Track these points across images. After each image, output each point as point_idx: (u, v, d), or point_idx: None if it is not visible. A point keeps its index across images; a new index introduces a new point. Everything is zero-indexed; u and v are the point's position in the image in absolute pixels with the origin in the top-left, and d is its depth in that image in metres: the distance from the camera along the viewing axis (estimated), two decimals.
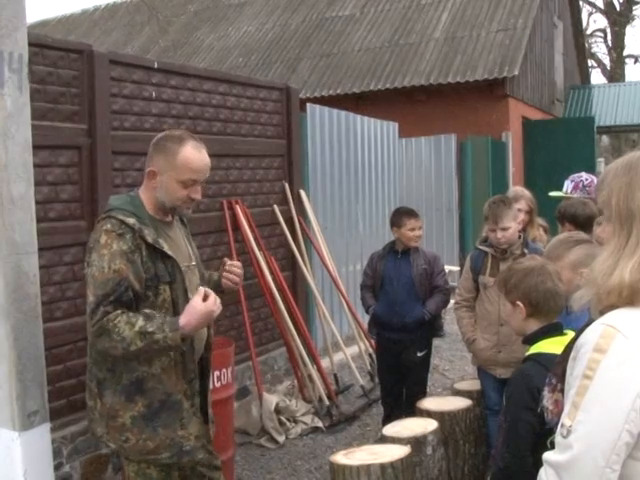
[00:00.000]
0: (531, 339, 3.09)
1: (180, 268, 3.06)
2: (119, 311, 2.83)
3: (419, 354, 5.41)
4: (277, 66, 17.33)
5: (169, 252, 3.01)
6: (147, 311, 2.88)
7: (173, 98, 5.81)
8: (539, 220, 5.59)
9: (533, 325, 3.11)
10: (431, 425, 3.99)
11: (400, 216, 5.48)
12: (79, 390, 4.78)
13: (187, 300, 3.04)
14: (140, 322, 2.80)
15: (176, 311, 3.01)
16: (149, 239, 2.94)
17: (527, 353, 3.06)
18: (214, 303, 2.89)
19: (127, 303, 2.87)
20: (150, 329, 2.80)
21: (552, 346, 2.93)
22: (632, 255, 1.66)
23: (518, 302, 3.12)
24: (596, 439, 1.58)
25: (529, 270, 3.17)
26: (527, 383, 2.85)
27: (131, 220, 2.94)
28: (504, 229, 4.58)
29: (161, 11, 18.36)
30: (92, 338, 2.87)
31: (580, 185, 5.57)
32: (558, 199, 5.67)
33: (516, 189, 5.56)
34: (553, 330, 3.05)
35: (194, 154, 3.06)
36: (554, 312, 3.10)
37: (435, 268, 5.42)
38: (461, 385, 5.07)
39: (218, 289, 3.40)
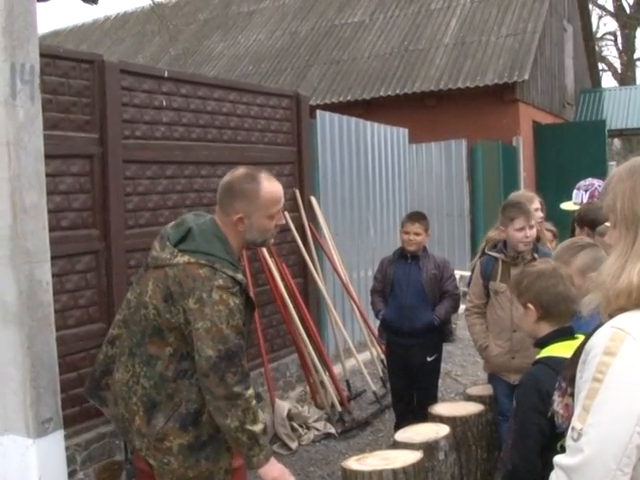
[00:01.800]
0: (542, 343, 3.09)
1: (253, 313, 3.18)
2: (253, 392, 2.96)
3: (429, 359, 5.42)
4: (287, 73, 17.37)
5: (254, 300, 3.13)
6: (265, 421, 3.10)
7: (183, 107, 5.84)
8: (547, 225, 5.58)
9: (544, 329, 3.11)
10: (443, 430, 3.98)
11: (403, 219, 5.58)
12: None
13: (249, 339, 3.20)
14: (261, 428, 2.96)
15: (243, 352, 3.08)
16: (250, 293, 3.07)
17: (537, 356, 3.06)
18: None
19: (244, 354, 2.98)
20: (261, 442, 2.97)
21: (563, 350, 2.93)
22: (639, 257, 1.66)
23: (529, 305, 3.12)
24: (607, 442, 1.58)
25: (541, 273, 3.17)
26: (537, 386, 2.85)
27: (239, 276, 2.98)
28: (531, 227, 4.58)
29: (171, 20, 18.42)
30: (217, 389, 2.89)
31: (596, 193, 5.52)
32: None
33: (524, 192, 5.48)
34: (564, 334, 3.05)
35: (272, 186, 3.13)
36: (566, 316, 3.09)
37: (445, 273, 5.42)
38: (473, 390, 5.06)
39: None
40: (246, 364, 2.97)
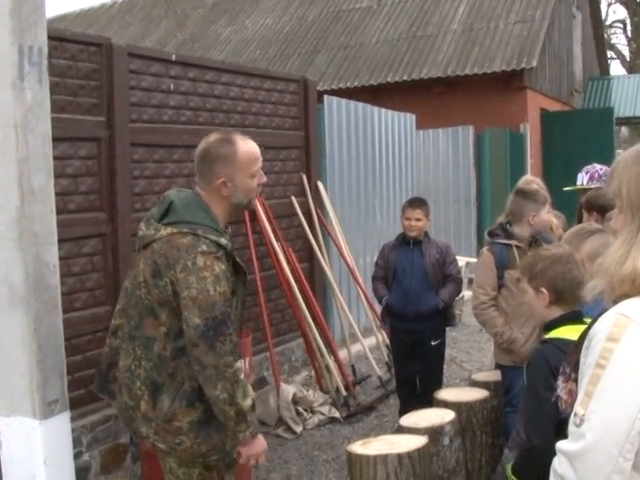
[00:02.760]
0: (551, 326, 3.08)
1: (245, 281, 3.13)
2: (241, 365, 2.95)
3: (433, 343, 5.45)
4: (294, 58, 17.32)
5: (242, 265, 3.07)
6: (253, 397, 2.97)
7: (191, 90, 5.83)
8: (556, 212, 5.56)
9: (555, 312, 3.09)
10: (448, 416, 3.98)
11: (404, 205, 5.60)
12: None
13: (243, 308, 3.15)
14: (249, 404, 2.93)
15: (235, 324, 3.04)
16: (237, 257, 3.02)
17: (546, 336, 3.06)
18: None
19: (233, 323, 2.94)
20: (249, 418, 2.94)
21: (571, 333, 2.92)
22: None
23: (542, 289, 3.11)
24: (609, 428, 1.58)
25: (557, 257, 3.14)
26: (547, 363, 2.84)
27: (223, 240, 2.96)
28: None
29: (178, 4, 18.38)
30: (206, 357, 2.87)
31: (596, 175, 5.52)
32: (573, 192, 5.64)
33: (527, 177, 5.39)
34: (573, 318, 3.04)
35: (247, 145, 3.14)
36: (578, 301, 3.06)
37: (447, 257, 5.46)
38: (478, 376, 5.05)
39: None
40: (234, 334, 2.94)
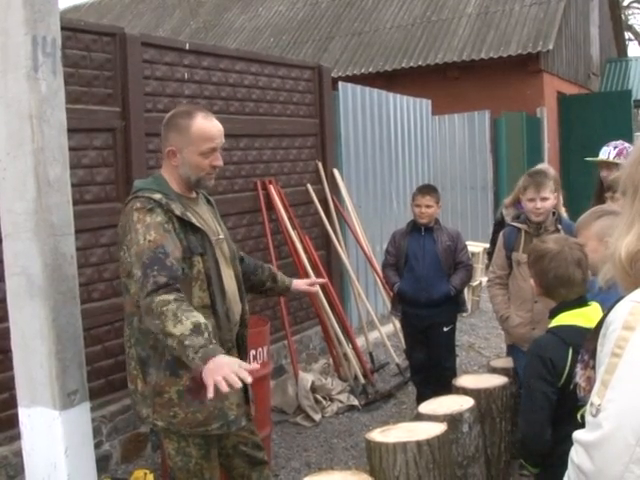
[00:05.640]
0: (553, 313, 3.11)
1: (210, 240, 3.10)
2: (172, 297, 2.78)
3: (445, 329, 5.48)
4: (308, 45, 17.26)
5: (197, 224, 3.06)
6: (199, 321, 2.75)
7: (205, 79, 5.82)
8: None
9: (550, 302, 3.14)
10: (467, 403, 3.97)
11: (414, 192, 5.61)
12: (117, 370, 4.85)
13: (219, 272, 3.10)
14: (187, 327, 2.71)
15: (209, 283, 3.05)
16: (177, 212, 2.99)
17: (549, 325, 3.08)
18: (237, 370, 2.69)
19: (171, 269, 2.84)
20: (187, 343, 2.69)
21: (572, 318, 2.95)
22: (629, 229, 1.63)
23: (532, 280, 3.19)
24: (626, 417, 1.55)
25: (544, 253, 3.14)
26: (540, 354, 2.89)
27: (157, 195, 2.99)
28: (544, 199, 4.55)
29: None
30: (142, 302, 2.86)
31: (624, 152, 5.41)
32: (589, 179, 5.54)
33: (542, 166, 5.34)
34: (573, 304, 3.06)
35: (206, 124, 3.11)
36: (567, 297, 3.07)
37: (458, 244, 5.50)
38: (497, 363, 5.05)
39: (286, 292, 3.78)
40: (174, 273, 2.85)
